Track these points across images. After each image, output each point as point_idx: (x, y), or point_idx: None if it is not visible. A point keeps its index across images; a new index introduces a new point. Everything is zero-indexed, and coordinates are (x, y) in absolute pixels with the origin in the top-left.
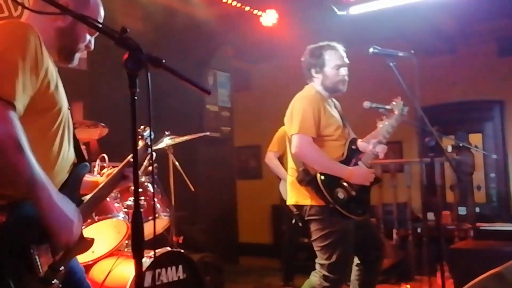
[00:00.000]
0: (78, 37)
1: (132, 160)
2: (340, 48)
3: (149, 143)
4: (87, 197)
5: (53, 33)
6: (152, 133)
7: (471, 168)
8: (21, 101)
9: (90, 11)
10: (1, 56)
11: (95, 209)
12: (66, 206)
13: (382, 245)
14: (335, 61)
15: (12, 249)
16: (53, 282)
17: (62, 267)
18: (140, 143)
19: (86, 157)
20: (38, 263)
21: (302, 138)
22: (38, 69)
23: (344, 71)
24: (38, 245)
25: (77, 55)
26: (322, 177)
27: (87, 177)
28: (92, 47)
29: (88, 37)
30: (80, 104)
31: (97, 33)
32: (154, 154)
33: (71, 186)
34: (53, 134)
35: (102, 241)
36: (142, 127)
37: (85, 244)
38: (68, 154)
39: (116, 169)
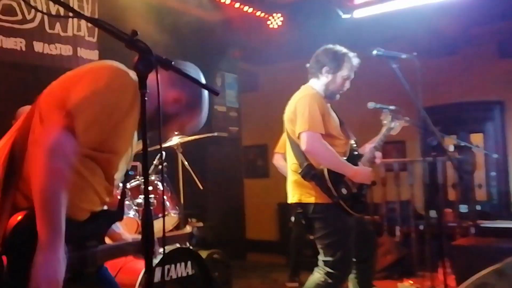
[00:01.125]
0: (169, 129)
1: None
2: (356, 61)
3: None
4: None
5: (153, 110)
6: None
7: (472, 167)
8: (88, 135)
9: (195, 116)
10: (94, 92)
11: (112, 258)
12: (61, 268)
13: (375, 242)
14: (348, 72)
15: (32, 246)
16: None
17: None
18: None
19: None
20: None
21: (312, 135)
22: (115, 113)
23: (348, 84)
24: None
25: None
26: (329, 173)
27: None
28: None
29: (174, 134)
30: None
31: (186, 133)
32: (163, 153)
33: (101, 220)
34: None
35: None
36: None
37: (98, 284)
38: (109, 189)
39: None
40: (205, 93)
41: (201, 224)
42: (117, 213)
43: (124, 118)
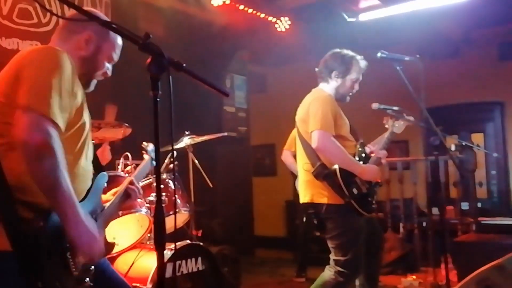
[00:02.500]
0: (98, 65)
1: (133, 179)
2: (363, 64)
3: (153, 157)
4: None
5: (76, 61)
6: (153, 148)
7: (473, 165)
8: (61, 119)
9: (110, 43)
10: (40, 78)
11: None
12: (89, 223)
13: (382, 239)
14: (356, 74)
15: (51, 252)
16: (85, 280)
17: (93, 267)
18: (146, 157)
19: (103, 167)
20: (73, 264)
21: (323, 134)
22: (73, 91)
23: (357, 86)
24: (72, 247)
25: (94, 82)
26: (340, 173)
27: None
28: (110, 73)
29: (107, 64)
30: (114, 107)
31: (116, 61)
32: (175, 152)
33: (94, 196)
34: (80, 148)
35: (126, 234)
36: (144, 143)
37: (109, 247)
38: (88, 166)
39: (120, 187)
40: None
41: None
42: (103, 179)
43: (74, 87)
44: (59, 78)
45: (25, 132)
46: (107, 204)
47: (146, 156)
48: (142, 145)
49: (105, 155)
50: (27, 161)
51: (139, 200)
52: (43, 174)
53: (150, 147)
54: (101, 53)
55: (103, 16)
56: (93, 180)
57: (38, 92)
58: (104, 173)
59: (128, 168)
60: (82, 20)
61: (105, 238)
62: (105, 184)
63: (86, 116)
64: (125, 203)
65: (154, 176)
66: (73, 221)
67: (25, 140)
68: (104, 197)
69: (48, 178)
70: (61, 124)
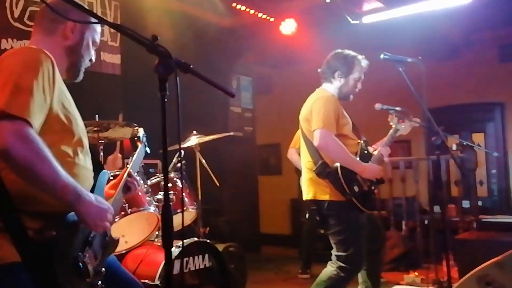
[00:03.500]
0: (83, 53)
1: (130, 171)
2: (365, 63)
3: (146, 144)
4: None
5: (62, 52)
6: (144, 134)
7: (474, 164)
8: (37, 119)
9: (91, 28)
10: (16, 78)
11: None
12: (97, 199)
13: (384, 236)
14: (359, 74)
15: (64, 259)
16: (98, 284)
17: (103, 269)
18: (139, 145)
19: (103, 165)
20: (87, 270)
21: (325, 132)
22: (51, 89)
23: (360, 85)
24: (83, 253)
25: (82, 70)
26: (342, 171)
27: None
28: (94, 59)
29: (92, 51)
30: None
31: (98, 46)
32: (182, 152)
33: (98, 195)
34: (75, 147)
35: (135, 232)
36: (135, 128)
37: (115, 243)
38: (89, 165)
39: (119, 181)
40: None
41: None
42: (104, 176)
43: (53, 85)
44: (36, 78)
45: (5, 143)
46: (110, 201)
47: (139, 144)
48: (134, 131)
49: (117, 163)
50: (14, 170)
51: (147, 198)
52: (39, 178)
53: (141, 132)
54: (86, 40)
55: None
56: (95, 179)
57: (14, 94)
58: (105, 171)
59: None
60: (92, 23)
61: (110, 236)
62: (107, 182)
63: (76, 115)
64: (126, 196)
65: (162, 175)
66: (82, 205)
67: (6, 151)
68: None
69: (44, 178)
70: (36, 125)
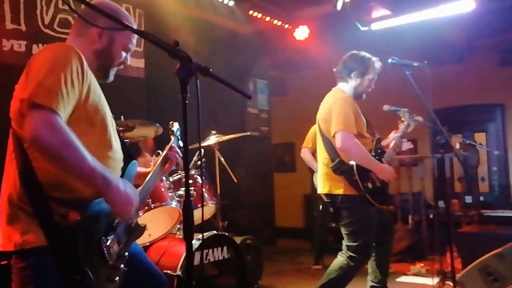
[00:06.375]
0: (113, 56)
1: (173, 144)
2: (379, 65)
3: (179, 137)
4: (141, 186)
5: (90, 54)
6: (179, 127)
7: (476, 162)
8: (65, 110)
9: (123, 34)
10: (46, 71)
11: (146, 198)
12: (126, 187)
13: (393, 229)
14: (373, 74)
15: (87, 243)
16: (120, 267)
17: (126, 253)
18: (172, 138)
19: (133, 155)
20: (109, 253)
21: (346, 135)
22: (80, 82)
23: (373, 85)
24: (106, 237)
25: (112, 72)
26: (357, 169)
27: (139, 169)
28: (128, 62)
29: (124, 54)
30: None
31: (132, 50)
32: (202, 150)
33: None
34: (104, 139)
35: (158, 225)
36: (170, 122)
37: (140, 230)
38: (118, 156)
39: (160, 157)
40: (119, 11)
41: None
42: (133, 166)
43: (82, 79)
44: (64, 71)
45: (35, 132)
46: (150, 173)
47: (172, 138)
48: (169, 125)
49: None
50: (44, 157)
51: (169, 194)
52: (67, 163)
53: (175, 126)
54: (115, 45)
55: (132, 22)
56: (124, 169)
57: (42, 86)
58: (135, 161)
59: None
60: (118, 29)
61: (137, 223)
62: (136, 172)
63: (105, 107)
64: (166, 168)
65: (183, 172)
66: (109, 190)
67: (36, 139)
68: (149, 169)
69: (72, 162)
70: (63, 116)
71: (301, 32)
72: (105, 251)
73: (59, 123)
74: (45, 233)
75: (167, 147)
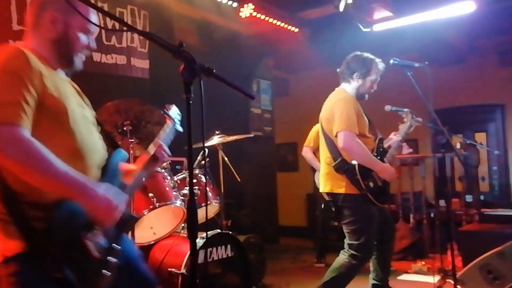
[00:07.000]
0: (72, 41)
1: (161, 142)
2: (381, 66)
3: (175, 121)
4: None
5: (49, 44)
6: (178, 112)
7: (476, 162)
8: (28, 118)
9: (77, 16)
10: (1, 85)
11: (134, 191)
12: (106, 190)
13: (394, 228)
14: (375, 76)
15: (66, 241)
16: (110, 260)
17: (116, 245)
18: (168, 122)
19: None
20: (92, 247)
21: (348, 134)
22: (31, 85)
23: (375, 86)
24: (88, 231)
25: (78, 59)
26: (359, 168)
27: (127, 166)
28: (94, 46)
29: (84, 38)
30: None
31: (94, 32)
32: (206, 150)
33: (111, 173)
34: (72, 132)
35: (162, 224)
36: (167, 105)
37: (133, 221)
38: (93, 148)
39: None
40: None
41: None
42: (119, 156)
43: (34, 77)
44: (16, 80)
45: (1, 151)
46: (136, 172)
47: (168, 122)
48: (164, 108)
49: None
50: (18, 174)
51: (174, 193)
52: (36, 176)
53: (173, 109)
54: (71, 29)
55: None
56: (109, 158)
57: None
58: (120, 149)
59: (164, 164)
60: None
61: (129, 213)
62: (122, 160)
63: (69, 99)
64: (153, 166)
65: (188, 171)
66: (84, 196)
67: (3, 157)
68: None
69: (42, 174)
70: (28, 126)
71: (304, 34)
72: (87, 246)
73: (23, 138)
74: (24, 239)
75: (155, 143)
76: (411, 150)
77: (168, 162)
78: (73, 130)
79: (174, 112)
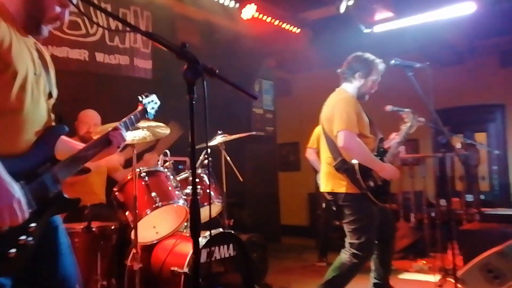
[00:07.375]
0: (45, 7)
1: (118, 125)
2: (382, 66)
3: (148, 109)
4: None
5: (19, 1)
6: (155, 100)
7: (476, 161)
8: None
9: None
10: None
11: (75, 170)
12: (14, 188)
13: (395, 227)
14: (376, 76)
15: None
16: (19, 238)
17: (33, 224)
18: (139, 107)
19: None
20: None
21: (349, 134)
22: None
23: (376, 86)
24: None
25: (45, 28)
26: (359, 167)
27: (75, 143)
28: (65, 19)
29: (57, 8)
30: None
31: (70, 7)
32: (209, 150)
33: (42, 144)
34: (11, 95)
35: (165, 223)
36: (145, 94)
37: (67, 204)
38: (35, 115)
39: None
40: None
41: None
42: (57, 128)
43: None
44: None
45: None
46: (83, 147)
47: (139, 107)
48: (142, 95)
49: (152, 162)
50: None
51: (177, 193)
52: None
53: (149, 98)
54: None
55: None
56: (47, 129)
57: None
58: (63, 125)
59: (167, 163)
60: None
61: (61, 193)
62: (62, 136)
63: (19, 62)
64: (106, 150)
65: (190, 171)
66: None
67: None
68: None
69: None
70: None
71: (306, 35)
72: None
73: None
74: None
75: (112, 126)
76: (403, 151)
77: (171, 162)
78: (24, 97)
79: (150, 100)
